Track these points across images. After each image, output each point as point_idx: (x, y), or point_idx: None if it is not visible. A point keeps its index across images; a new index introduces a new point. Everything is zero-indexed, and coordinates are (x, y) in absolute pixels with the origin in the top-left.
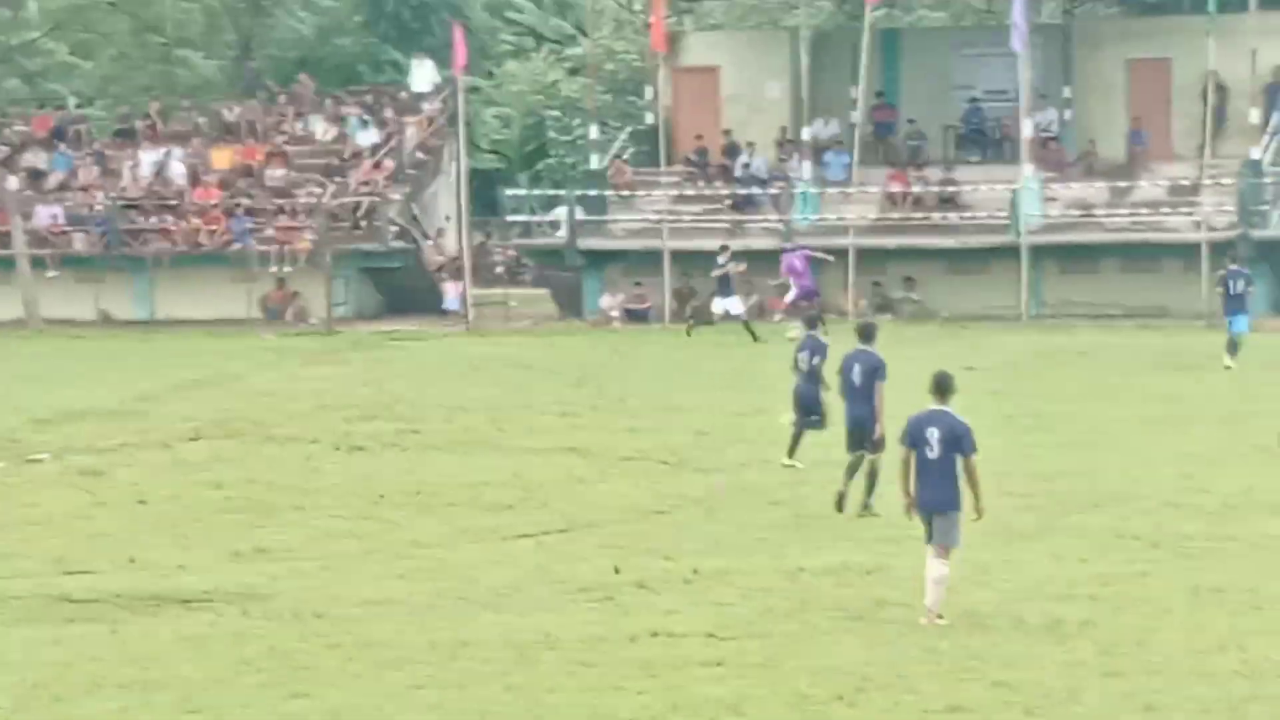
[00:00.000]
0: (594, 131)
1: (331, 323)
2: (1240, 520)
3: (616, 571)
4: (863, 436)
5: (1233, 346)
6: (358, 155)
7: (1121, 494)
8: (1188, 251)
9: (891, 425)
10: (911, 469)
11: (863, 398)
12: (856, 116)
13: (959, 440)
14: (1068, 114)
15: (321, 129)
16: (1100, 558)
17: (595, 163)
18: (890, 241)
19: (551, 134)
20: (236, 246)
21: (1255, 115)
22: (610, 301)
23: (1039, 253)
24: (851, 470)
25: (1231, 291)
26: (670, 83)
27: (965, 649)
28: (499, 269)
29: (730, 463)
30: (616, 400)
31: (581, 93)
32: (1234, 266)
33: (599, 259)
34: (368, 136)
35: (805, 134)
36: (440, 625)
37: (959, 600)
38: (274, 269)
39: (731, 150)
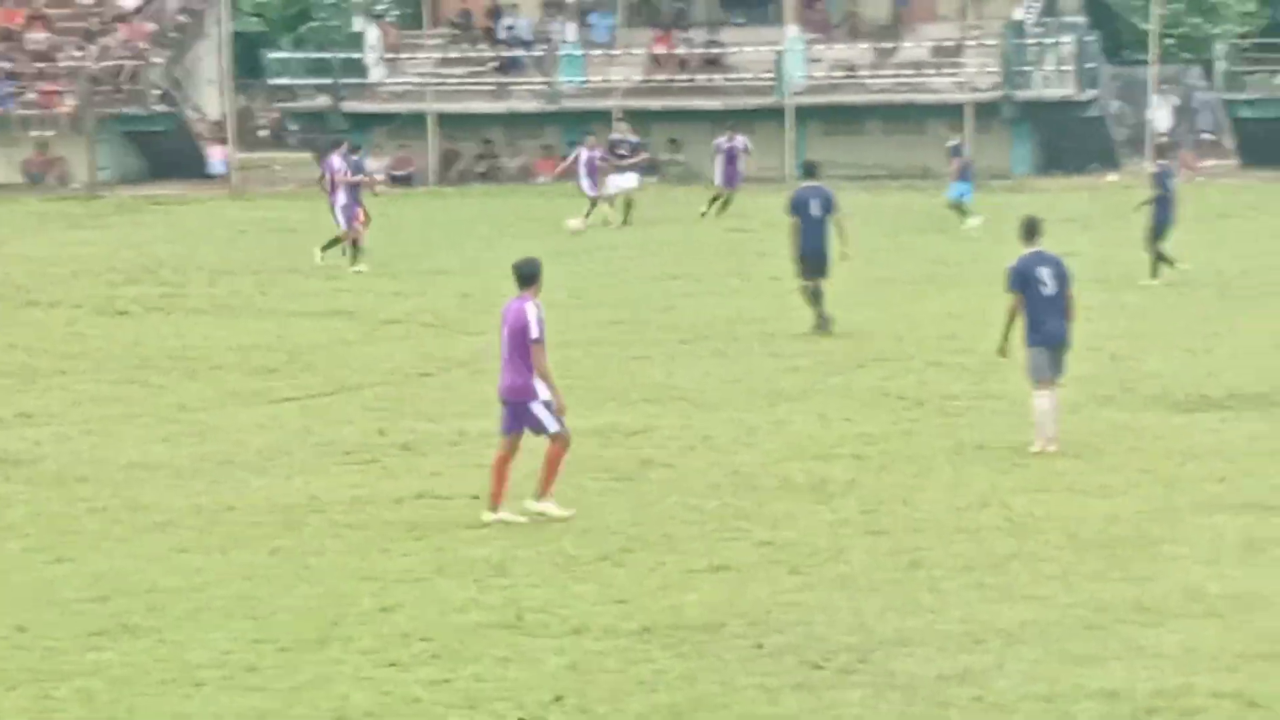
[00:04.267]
0: None
1: (94, 187)
2: (1002, 379)
3: (381, 434)
4: (821, 265)
5: None
6: (119, 18)
7: (886, 354)
8: (951, 113)
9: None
10: (1018, 312)
11: (821, 228)
12: None
13: (1066, 276)
14: None
15: None
16: (865, 417)
17: (359, 25)
18: (655, 104)
19: None
20: None
21: None
22: (375, 165)
23: (803, 114)
24: (815, 294)
25: None
26: None
27: (731, 509)
28: (263, 133)
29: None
30: (381, 264)
31: None
32: None
33: (364, 122)
34: None
35: None
36: (204, 489)
37: (725, 461)
38: (35, 133)
39: (495, 13)
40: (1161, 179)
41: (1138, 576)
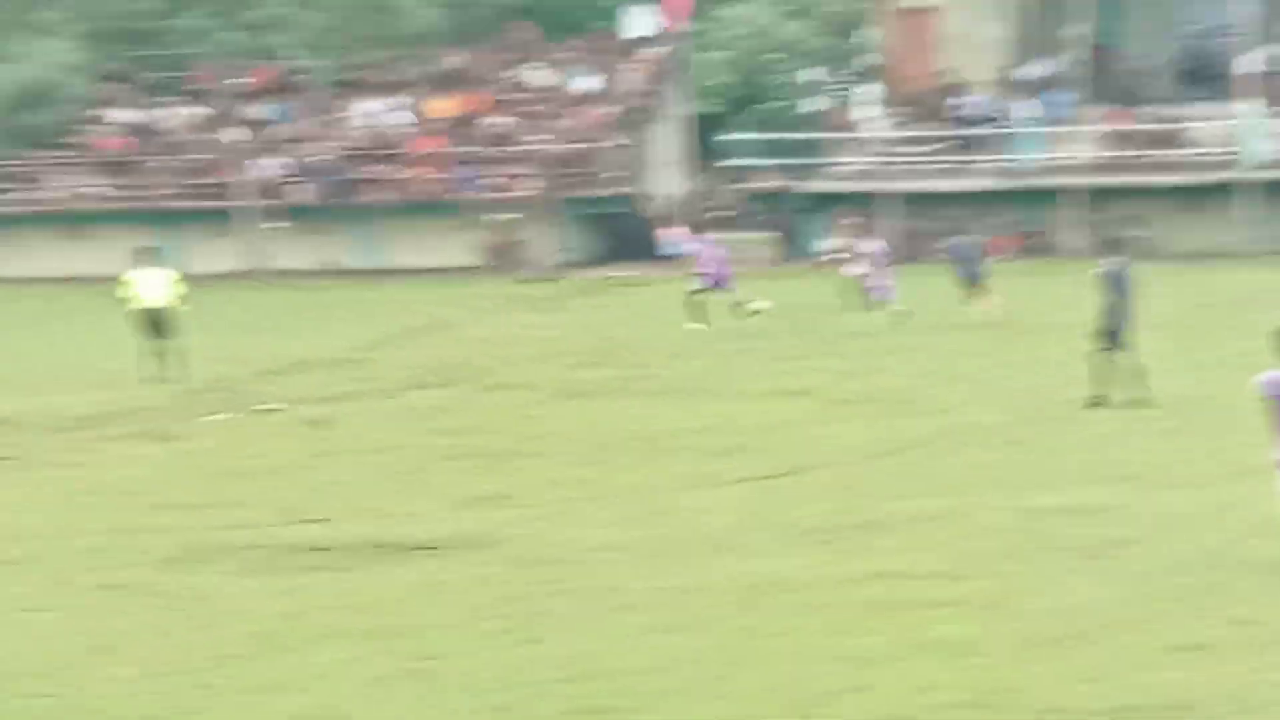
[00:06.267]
0: (813, 74)
1: (555, 269)
2: None
3: (839, 514)
4: (1121, 339)
5: None
6: (578, 102)
7: None
8: None
9: None
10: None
11: (1129, 304)
12: (1077, 55)
13: None
14: None
15: (542, 76)
16: None
17: (815, 105)
18: (1115, 180)
19: (770, 77)
20: (460, 195)
21: None
22: (833, 244)
23: (1266, 188)
24: (1106, 371)
25: None
26: (890, 24)
27: (1204, 585)
28: (720, 213)
29: (955, 403)
30: (836, 344)
31: (801, 36)
32: None
33: (821, 202)
34: (588, 83)
35: (1025, 73)
36: (667, 569)
37: (1195, 537)
38: (498, 217)
39: (951, 90)
40: None
41: None
